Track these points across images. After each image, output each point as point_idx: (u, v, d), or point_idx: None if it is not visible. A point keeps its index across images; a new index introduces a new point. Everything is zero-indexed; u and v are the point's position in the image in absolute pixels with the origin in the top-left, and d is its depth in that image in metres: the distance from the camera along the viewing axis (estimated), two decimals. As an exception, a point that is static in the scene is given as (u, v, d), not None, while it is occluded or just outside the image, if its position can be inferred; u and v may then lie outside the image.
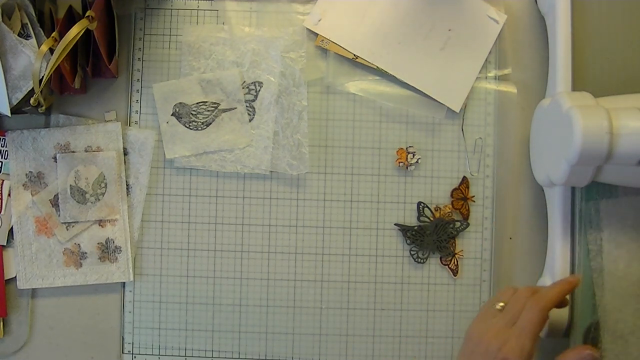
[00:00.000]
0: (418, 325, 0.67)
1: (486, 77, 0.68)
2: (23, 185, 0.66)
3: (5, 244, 0.66)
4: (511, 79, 0.68)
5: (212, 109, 0.67)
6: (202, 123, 0.67)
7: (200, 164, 0.67)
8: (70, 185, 0.66)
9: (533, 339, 0.51)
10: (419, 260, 0.67)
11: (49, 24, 0.64)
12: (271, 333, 0.67)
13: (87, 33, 0.60)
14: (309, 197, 0.68)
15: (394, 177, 0.68)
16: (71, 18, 0.63)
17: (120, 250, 0.67)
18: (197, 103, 0.67)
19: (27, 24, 0.61)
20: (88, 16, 0.59)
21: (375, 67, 0.67)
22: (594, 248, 0.60)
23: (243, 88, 0.67)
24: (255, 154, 0.67)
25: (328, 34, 0.67)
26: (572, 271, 0.62)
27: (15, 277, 0.66)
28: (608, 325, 0.58)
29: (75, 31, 0.58)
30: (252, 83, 0.67)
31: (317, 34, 0.67)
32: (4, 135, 0.67)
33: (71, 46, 0.58)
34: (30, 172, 0.66)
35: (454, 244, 0.67)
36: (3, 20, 0.60)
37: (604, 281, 0.59)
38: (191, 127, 0.67)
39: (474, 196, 0.67)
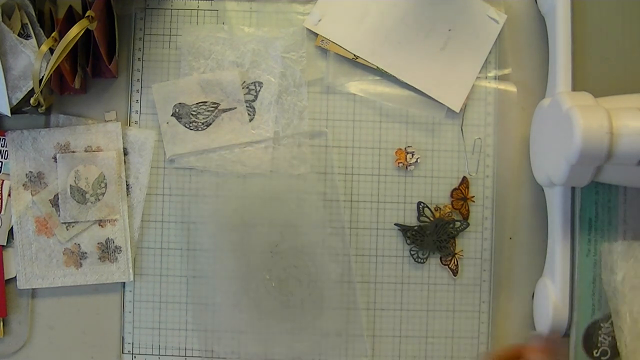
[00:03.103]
0: (418, 325, 0.67)
1: (486, 77, 0.68)
2: (23, 185, 0.66)
3: (5, 244, 0.66)
4: (511, 79, 0.68)
5: (212, 109, 0.67)
6: (202, 123, 0.67)
7: (200, 164, 0.67)
8: (70, 185, 0.66)
9: None
10: (419, 260, 0.67)
11: (49, 24, 0.64)
12: (271, 333, 0.67)
13: (87, 33, 0.60)
14: (309, 197, 0.68)
15: (394, 177, 0.68)
16: (71, 18, 0.63)
17: (120, 250, 0.67)
18: (197, 103, 0.67)
19: (27, 24, 0.61)
20: (88, 16, 0.59)
21: (375, 67, 0.67)
22: (609, 289, 0.60)
23: (243, 88, 0.67)
24: (255, 154, 0.67)
25: (328, 34, 0.67)
26: (572, 271, 0.62)
27: (15, 277, 0.66)
28: None
29: (75, 31, 0.58)
30: (252, 83, 0.67)
31: (317, 34, 0.67)
32: (4, 135, 0.67)
33: (71, 46, 0.58)
34: (30, 172, 0.66)
35: (454, 244, 0.67)
36: (3, 20, 0.60)
37: (621, 323, 0.59)
38: (191, 128, 0.67)
39: (473, 196, 0.67)
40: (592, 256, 0.62)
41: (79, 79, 0.66)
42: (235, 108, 0.67)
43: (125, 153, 0.67)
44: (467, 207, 0.67)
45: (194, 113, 0.67)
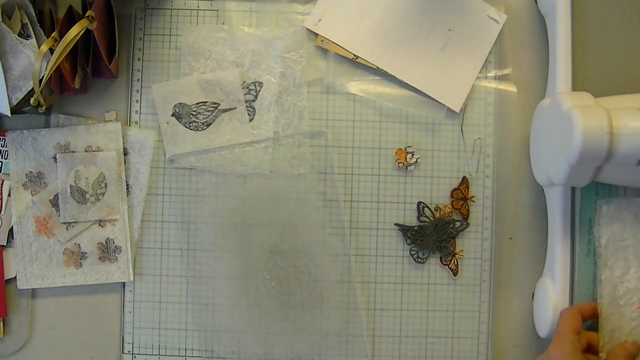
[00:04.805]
0: (418, 325, 0.67)
1: (486, 77, 0.68)
2: (23, 185, 0.66)
3: (5, 244, 0.66)
4: (511, 79, 0.68)
5: (212, 109, 0.67)
6: (202, 123, 0.67)
7: (200, 164, 0.67)
8: (70, 185, 0.66)
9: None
10: (419, 260, 0.67)
11: (49, 24, 0.64)
12: (271, 333, 0.67)
13: (87, 33, 0.60)
14: (309, 197, 0.68)
15: (393, 177, 0.68)
16: (71, 18, 0.63)
17: (120, 250, 0.67)
18: (197, 103, 0.67)
19: (27, 24, 0.61)
20: (88, 16, 0.59)
21: (375, 67, 0.67)
22: (596, 255, 0.60)
23: (243, 88, 0.67)
24: (255, 154, 0.67)
25: (328, 34, 0.67)
26: (572, 271, 0.62)
27: (15, 277, 0.66)
28: (605, 333, 0.58)
29: (75, 31, 0.58)
30: (252, 83, 0.67)
31: (317, 34, 0.67)
32: (4, 135, 0.67)
33: (71, 46, 0.58)
34: (30, 172, 0.66)
35: (454, 244, 0.67)
36: (3, 20, 0.60)
37: (601, 289, 0.59)
38: (191, 128, 0.67)
39: (473, 196, 0.67)
40: (592, 256, 0.62)
41: (79, 79, 0.66)
42: (235, 108, 0.67)
43: (125, 153, 0.68)
44: (467, 207, 0.67)
45: (194, 113, 0.67)
